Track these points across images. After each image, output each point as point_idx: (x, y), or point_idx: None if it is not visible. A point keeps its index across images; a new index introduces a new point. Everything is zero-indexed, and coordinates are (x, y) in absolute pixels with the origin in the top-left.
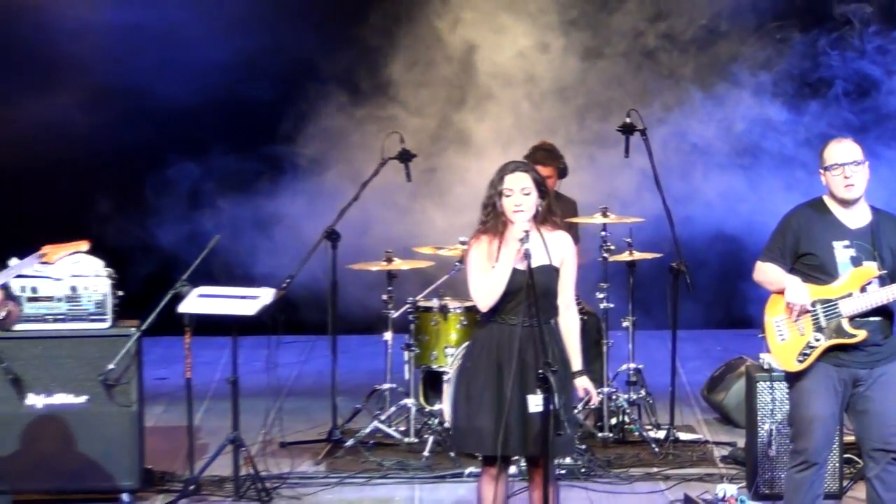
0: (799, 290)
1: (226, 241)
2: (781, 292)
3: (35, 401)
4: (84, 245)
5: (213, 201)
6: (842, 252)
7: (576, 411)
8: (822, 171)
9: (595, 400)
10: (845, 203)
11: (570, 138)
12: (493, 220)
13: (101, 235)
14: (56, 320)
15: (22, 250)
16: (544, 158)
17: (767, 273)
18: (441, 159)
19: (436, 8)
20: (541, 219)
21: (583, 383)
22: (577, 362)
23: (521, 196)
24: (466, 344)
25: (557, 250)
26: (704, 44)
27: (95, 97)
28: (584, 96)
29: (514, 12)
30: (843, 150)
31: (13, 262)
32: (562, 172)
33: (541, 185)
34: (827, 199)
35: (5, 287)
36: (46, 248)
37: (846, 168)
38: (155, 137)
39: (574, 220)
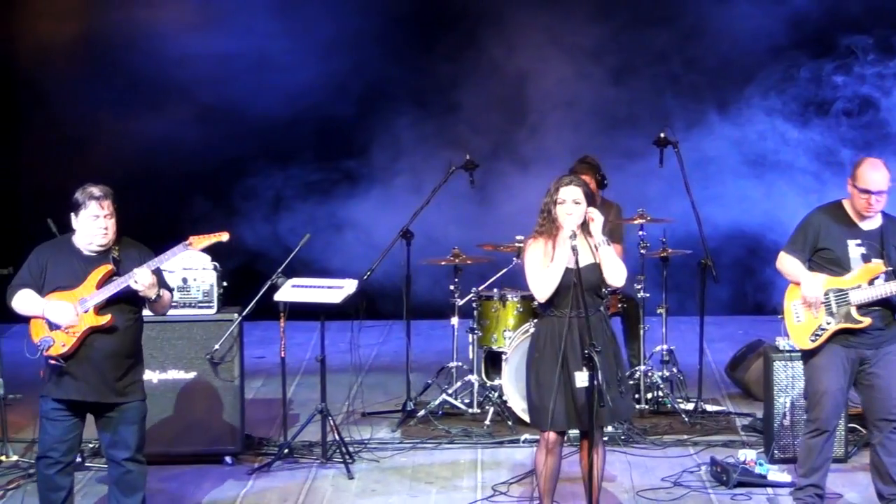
0: (813, 285)
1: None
2: (797, 284)
3: (151, 376)
4: (224, 235)
5: (295, 205)
6: (854, 249)
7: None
8: (851, 184)
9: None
10: (861, 217)
11: (603, 152)
12: (547, 224)
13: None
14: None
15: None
16: (586, 170)
17: (788, 265)
18: (497, 170)
19: (493, 39)
20: (584, 225)
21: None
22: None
23: (572, 205)
24: (525, 328)
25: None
26: (723, 68)
27: (200, 115)
28: (615, 116)
29: (556, 44)
30: (875, 180)
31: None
32: (600, 183)
33: (590, 197)
34: (846, 205)
35: (158, 273)
36: (192, 238)
37: (872, 196)
38: (249, 150)
39: (618, 221)
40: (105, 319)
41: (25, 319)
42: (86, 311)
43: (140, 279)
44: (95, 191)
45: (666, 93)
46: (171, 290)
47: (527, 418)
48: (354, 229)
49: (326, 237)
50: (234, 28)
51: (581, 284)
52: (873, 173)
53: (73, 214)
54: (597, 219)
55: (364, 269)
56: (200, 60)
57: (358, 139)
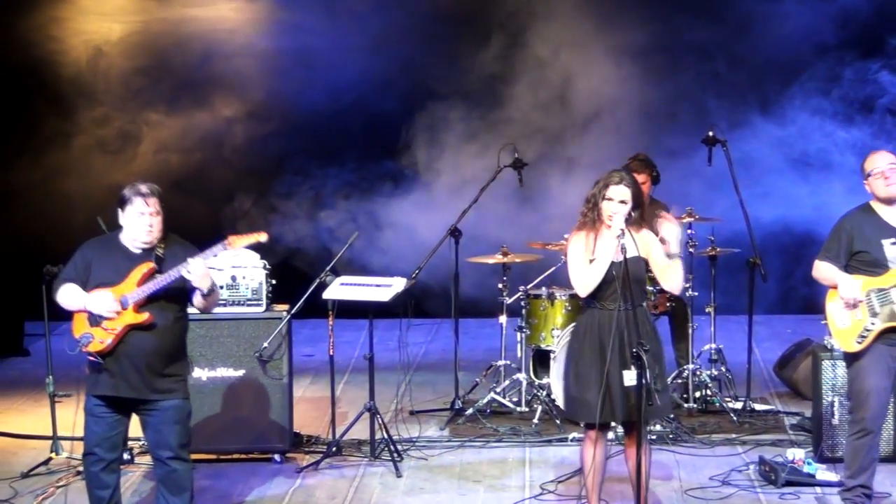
0: (850, 286)
1: (348, 237)
2: (836, 287)
3: (200, 374)
4: (263, 235)
5: (338, 203)
6: (890, 248)
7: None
8: (865, 180)
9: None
10: (890, 201)
11: (646, 151)
12: (591, 215)
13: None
14: (218, 305)
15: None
16: (640, 167)
17: (823, 271)
18: (545, 168)
19: (540, 39)
20: (633, 223)
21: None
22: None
23: (618, 205)
24: (572, 326)
25: (644, 245)
26: (766, 67)
27: (248, 113)
28: (658, 115)
29: (602, 43)
30: (879, 157)
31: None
32: (655, 179)
33: (637, 196)
34: (873, 204)
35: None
36: (230, 237)
37: (885, 171)
38: (294, 147)
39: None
40: (143, 317)
41: (72, 315)
42: (125, 308)
43: (193, 269)
44: (142, 188)
45: (709, 91)
46: (216, 287)
47: None
48: (396, 228)
49: (368, 235)
50: (280, 24)
51: (628, 278)
52: (875, 154)
53: (119, 210)
54: (671, 239)
55: (405, 267)
56: (247, 57)
57: (402, 136)
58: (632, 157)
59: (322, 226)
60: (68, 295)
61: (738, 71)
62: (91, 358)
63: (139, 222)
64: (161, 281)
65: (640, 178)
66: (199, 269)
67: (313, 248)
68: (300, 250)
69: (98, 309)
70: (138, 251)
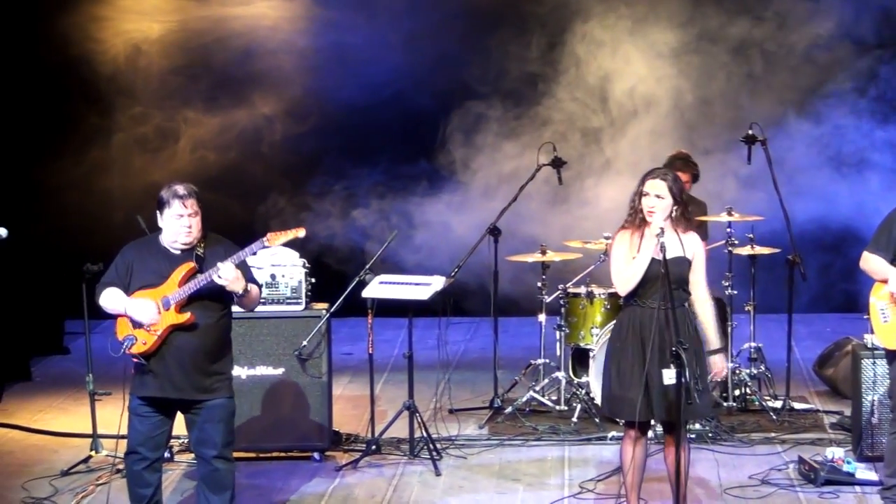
0: None
1: (382, 236)
2: (884, 281)
3: (240, 372)
4: (301, 231)
5: (374, 201)
6: None
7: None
8: None
9: (721, 376)
10: None
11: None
12: (634, 216)
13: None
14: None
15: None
16: (680, 165)
17: (872, 263)
18: (582, 167)
19: (578, 37)
20: (675, 219)
21: (718, 360)
22: (715, 341)
23: (654, 199)
24: (612, 325)
25: (689, 246)
26: (803, 66)
27: (285, 110)
28: (694, 115)
29: (636, 44)
30: None
31: None
32: (695, 178)
33: (678, 193)
34: None
35: (244, 267)
36: (269, 234)
37: None
38: (330, 144)
39: (704, 218)
40: (185, 317)
41: (114, 316)
42: (167, 309)
43: (223, 273)
44: (180, 189)
45: (744, 90)
46: (259, 284)
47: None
48: (431, 226)
49: (402, 234)
50: (317, 22)
51: (668, 277)
52: None
53: (158, 213)
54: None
55: (438, 266)
56: (284, 55)
57: (438, 135)
58: (673, 155)
59: (356, 224)
60: (110, 299)
61: (774, 69)
62: (135, 360)
63: (178, 224)
64: (202, 280)
65: (682, 176)
66: (229, 274)
67: (347, 247)
68: (334, 248)
69: (139, 317)
70: (178, 252)
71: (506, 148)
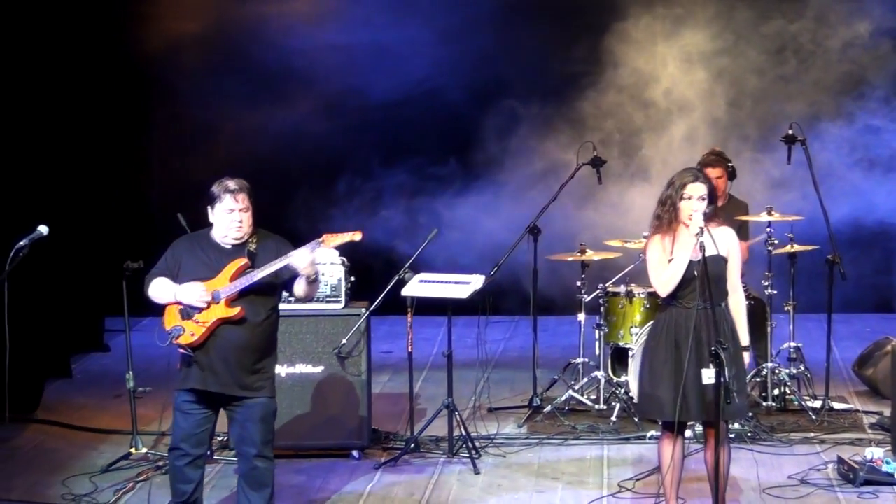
0: None
1: (412, 234)
2: None
3: (279, 370)
4: (357, 234)
5: (407, 199)
6: None
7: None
8: None
9: None
10: None
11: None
12: (668, 216)
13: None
14: (298, 301)
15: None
16: (715, 162)
17: None
18: (617, 168)
19: (616, 38)
20: (709, 218)
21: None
22: (744, 339)
23: (697, 202)
24: (650, 324)
25: (724, 243)
26: (838, 67)
27: (321, 108)
28: (727, 116)
29: (671, 44)
30: None
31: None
32: (731, 174)
33: (712, 192)
34: None
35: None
36: (325, 236)
37: None
38: (366, 141)
39: (745, 218)
40: (235, 312)
41: (156, 312)
42: (217, 303)
43: (298, 260)
44: (231, 184)
45: (778, 91)
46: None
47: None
48: (466, 225)
49: (440, 232)
50: (353, 19)
51: (707, 277)
52: None
53: (209, 208)
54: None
55: (471, 264)
56: (320, 53)
57: (473, 132)
58: (707, 153)
59: (386, 223)
60: (159, 288)
61: (808, 70)
62: (181, 350)
63: (229, 219)
64: (254, 276)
65: (717, 171)
66: (305, 259)
67: (376, 245)
68: (363, 247)
69: (188, 299)
70: (230, 247)
71: (538, 147)
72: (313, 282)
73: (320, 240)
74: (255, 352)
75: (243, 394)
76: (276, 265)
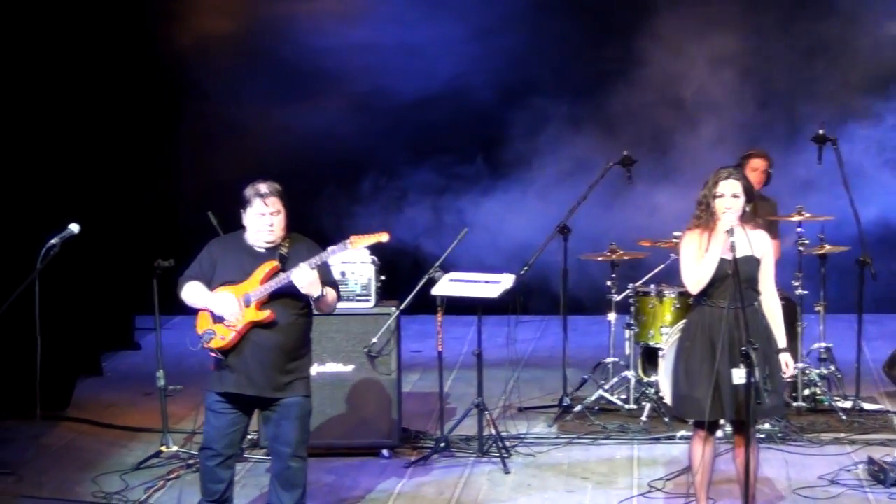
0: None
1: (438, 233)
2: None
3: (310, 369)
4: (384, 236)
5: (429, 197)
6: None
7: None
8: None
9: (790, 374)
10: None
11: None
12: (705, 216)
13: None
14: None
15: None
16: (763, 154)
17: None
18: (645, 167)
19: (646, 38)
20: (746, 219)
21: (784, 358)
22: (781, 340)
23: (731, 199)
24: (682, 324)
25: (758, 245)
26: (866, 67)
27: (352, 106)
28: (755, 119)
29: (699, 47)
30: None
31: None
32: (768, 177)
33: (748, 191)
34: None
35: (325, 269)
36: (352, 237)
37: None
38: (394, 139)
39: (775, 217)
40: (265, 315)
41: (188, 311)
42: (248, 306)
43: (298, 278)
44: (262, 188)
45: (807, 92)
46: (337, 288)
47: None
48: (488, 224)
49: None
50: (382, 16)
51: (738, 276)
52: None
53: (242, 211)
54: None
55: (496, 264)
56: (349, 50)
57: (501, 131)
58: (753, 151)
59: (416, 221)
60: (192, 293)
61: (836, 70)
62: (213, 354)
63: (260, 222)
64: (283, 279)
65: (762, 163)
66: (305, 278)
67: (401, 244)
68: (392, 245)
69: (220, 311)
70: (262, 250)
71: (566, 146)
72: (317, 300)
73: (347, 241)
74: (288, 353)
75: (278, 395)
76: (285, 278)
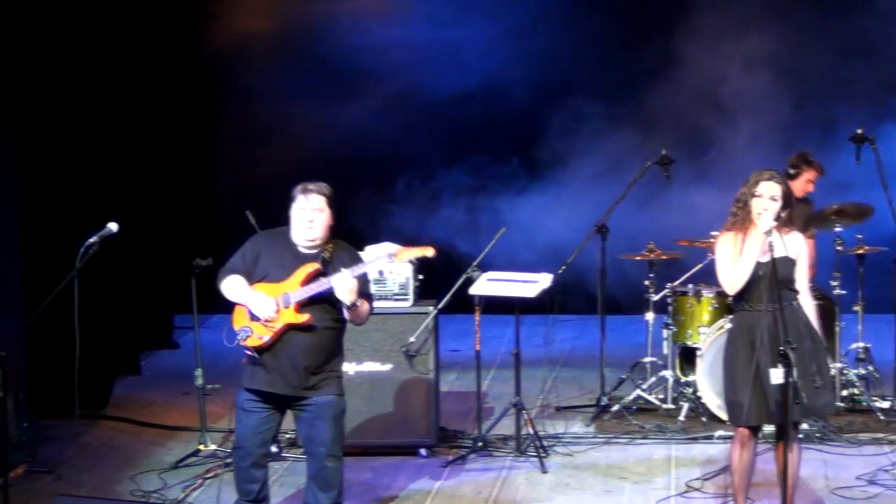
0: None
1: (473, 233)
2: None
3: (348, 368)
4: (430, 250)
5: (467, 197)
6: None
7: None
8: None
9: None
10: None
11: (781, 152)
12: (741, 216)
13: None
14: (371, 304)
15: None
16: (819, 170)
17: None
18: (681, 167)
19: (683, 38)
20: (782, 222)
21: None
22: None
23: (768, 201)
24: (720, 325)
25: (794, 247)
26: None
27: (386, 104)
28: (790, 119)
29: (735, 47)
30: None
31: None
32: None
33: (787, 196)
34: None
35: (362, 281)
36: (398, 249)
37: None
38: (429, 138)
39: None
40: (304, 318)
41: (226, 309)
42: (287, 307)
43: (337, 282)
44: (309, 185)
45: (843, 92)
46: (371, 301)
47: (721, 415)
48: (529, 223)
49: (493, 230)
50: (418, 15)
51: (775, 277)
52: None
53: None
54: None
55: (531, 263)
56: (386, 49)
57: (537, 131)
58: (812, 159)
59: (451, 220)
60: (232, 287)
61: (873, 70)
62: (248, 352)
63: (300, 218)
64: (325, 284)
65: (812, 173)
66: (345, 283)
67: (441, 243)
68: (429, 244)
69: (257, 311)
70: (306, 251)
71: (602, 146)
72: (351, 308)
73: (393, 253)
74: (323, 355)
75: (311, 394)
76: (327, 282)
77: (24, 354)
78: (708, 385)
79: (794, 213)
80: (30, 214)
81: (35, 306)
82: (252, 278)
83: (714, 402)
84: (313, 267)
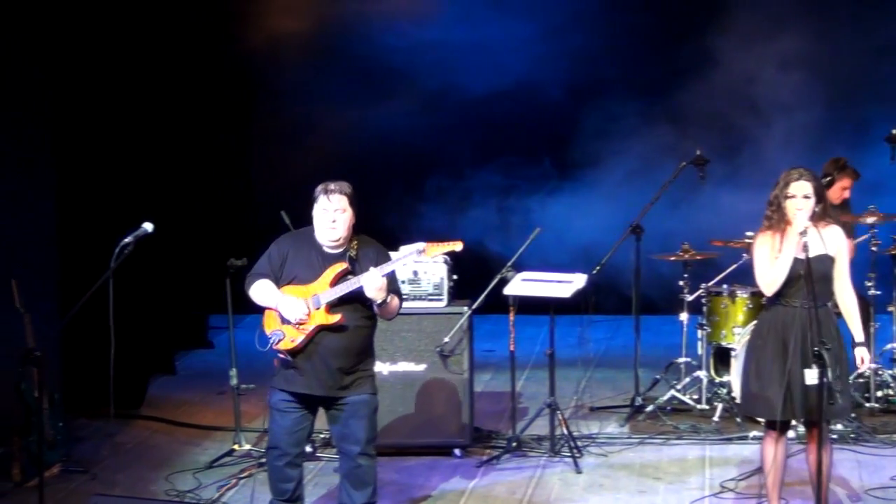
0: None
1: (505, 233)
2: None
3: (382, 368)
4: (458, 245)
5: (499, 197)
6: None
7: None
8: None
9: (865, 367)
10: None
11: (813, 153)
12: (776, 216)
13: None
14: (400, 299)
15: None
16: (855, 177)
17: None
18: (716, 168)
19: (716, 39)
20: (817, 218)
21: (860, 352)
22: (858, 335)
23: (801, 200)
24: (754, 323)
25: (832, 242)
26: None
27: (419, 104)
28: (823, 119)
29: (769, 47)
30: None
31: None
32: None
33: (820, 191)
34: None
35: (391, 278)
36: (426, 245)
37: None
38: (462, 138)
39: (848, 218)
40: (335, 318)
41: (258, 309)
42: (317, 308)
43: (367, 281)
44: (330, 185)
45: (875, 93)
46: (401, 296)
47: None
48: (560, 224)
49: (530, 230)
50: (452, 14)
51: (812, 274)
52: None
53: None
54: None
55: (562, 264)
56: (419, 49)
57: (570, 131)
58: (846, 165)
59: (482, 220)
60: (261, 291)
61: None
62: (281, 355)
63: (322, 219)
64: (353, 283)
65: (847, 181)
66: (374, 282)
67: (473, 243)
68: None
69: (288, 314)
70: (331, 251)
71: (634, 146)
72: (381, 305)
73: (421, 249)
74: (355, 355)
75: (344, 394)
76: (357, 281)
77: (60, 354)
78: (740, 383)
79: (831, 211)
80: (66, 215)
81: (70, 306)
82: (280, 281)
83: None
84: (342, 267)
